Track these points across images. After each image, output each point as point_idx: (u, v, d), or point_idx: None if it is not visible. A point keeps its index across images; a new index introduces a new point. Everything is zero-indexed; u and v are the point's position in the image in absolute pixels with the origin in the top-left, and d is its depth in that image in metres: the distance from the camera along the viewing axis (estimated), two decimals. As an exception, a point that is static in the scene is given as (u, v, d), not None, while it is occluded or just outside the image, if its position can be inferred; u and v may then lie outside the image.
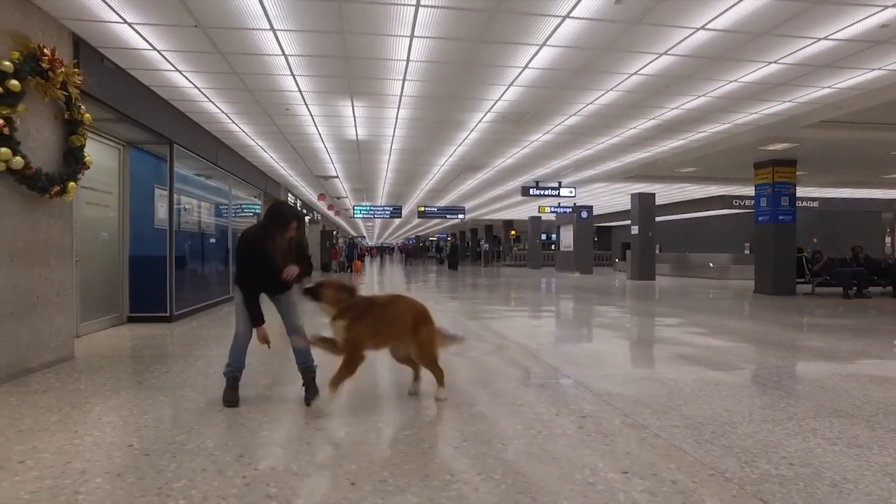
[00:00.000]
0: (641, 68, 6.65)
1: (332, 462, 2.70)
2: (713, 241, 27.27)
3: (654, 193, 20.06)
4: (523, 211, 28.76)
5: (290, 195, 17.89)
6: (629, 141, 10.68)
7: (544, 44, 5.85)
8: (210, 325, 7.73)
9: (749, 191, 19.35)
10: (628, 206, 21.75)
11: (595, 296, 12.91)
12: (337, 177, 15.08)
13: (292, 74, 6.66)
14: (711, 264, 21.72)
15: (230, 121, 8.90)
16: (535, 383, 4.42)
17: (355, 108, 8.25)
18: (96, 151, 7.20)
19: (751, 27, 5.42)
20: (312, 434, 3.14)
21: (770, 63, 6.37)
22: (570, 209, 24.27)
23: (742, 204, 21.90)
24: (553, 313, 9.47)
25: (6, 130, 4.20)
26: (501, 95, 7.67)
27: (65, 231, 5.19)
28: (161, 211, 8.43)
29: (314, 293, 3.55)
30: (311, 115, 8.54)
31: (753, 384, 4.41)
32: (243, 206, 13.12)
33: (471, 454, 2.78)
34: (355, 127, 9.39)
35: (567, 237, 26.58)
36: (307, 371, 3.79)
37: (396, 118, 8.83)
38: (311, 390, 3.73)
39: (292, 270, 3.66)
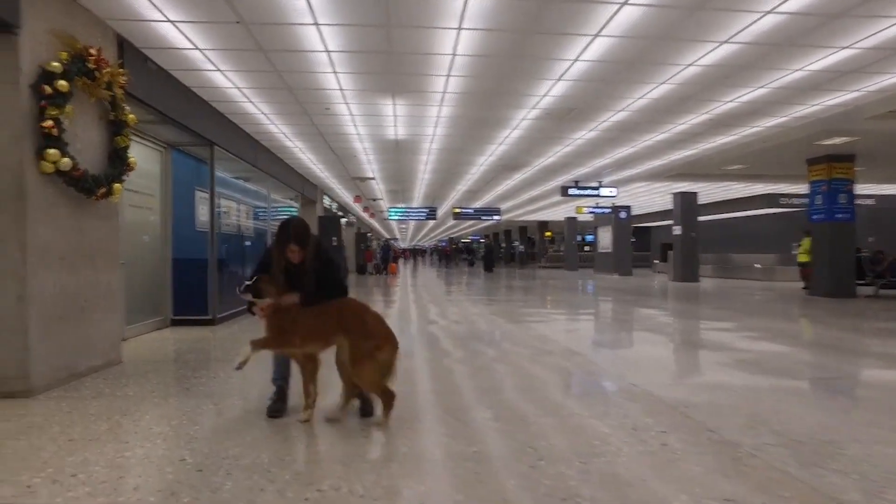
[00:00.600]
0: (699, 58, 6.27)
1: (399, 483, 2.47)
2: (756, 242, 26.26)
3: (697, 193, 19.42)
4: (559, 212, 28.26)
5: (325, 197, 17.89)
6: (676, 137, 10.24)
7: (598, 33, 5.55)
8: (252, 329, 7.56)
9: (797, 189, 18.57)
10: (668, 206, 21.16)
11: (639, 298, 12.47)
12: (373, 178, 14.97)
13: (334, 72, 6.50)
14: (758, 265, 20.92)
15: (269, 121, 8.83)
16: (599, 392, 4.13)
17: (396, 107, 8.07)
18: (139, 154, 7.18)
19: (828, 8, 5.00)
20: (373, 450, 2.93)
21: (843, 48, 5.92)
22: (609, 209, 23.73)
23: (790, 203, 20.98)
24: (600, 316, 9.11)
25: (55, 131, 4.13)
26: (548, 91, 7.38)
27: (111, 233, 5.13)
28: (202, 213, 8.41)
29: (254, 289, 3.39)
30: (350, 114, 8.40)
31: (843, 396, 4.03)
32: (280, 208, 13.11)
33: (550, 475, 2.52)
34: (395, 126, 9.22)
35: (605, 238, 26.00)
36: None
37: (438, 117, 8.61)
38: (366, 404, 3.52)
39: (287, 299, 3.37)
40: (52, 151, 4.10)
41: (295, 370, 3.55)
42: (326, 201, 18.08)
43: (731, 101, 7.93)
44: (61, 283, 4.37)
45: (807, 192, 13.17)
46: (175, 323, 7.76)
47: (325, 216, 17.07)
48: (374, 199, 20.54)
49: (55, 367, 4.27)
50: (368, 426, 3.29)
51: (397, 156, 11.92)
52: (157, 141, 7.53)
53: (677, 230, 19.54)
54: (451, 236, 55.46)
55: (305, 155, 11.73)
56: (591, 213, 23.93)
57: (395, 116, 8.58)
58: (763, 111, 8.46)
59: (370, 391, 3.38)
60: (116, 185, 4.86)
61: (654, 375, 4.57)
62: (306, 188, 15.07)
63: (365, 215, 25.91)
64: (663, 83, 7.12)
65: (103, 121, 4.98)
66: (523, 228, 42.83)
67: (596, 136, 10.23)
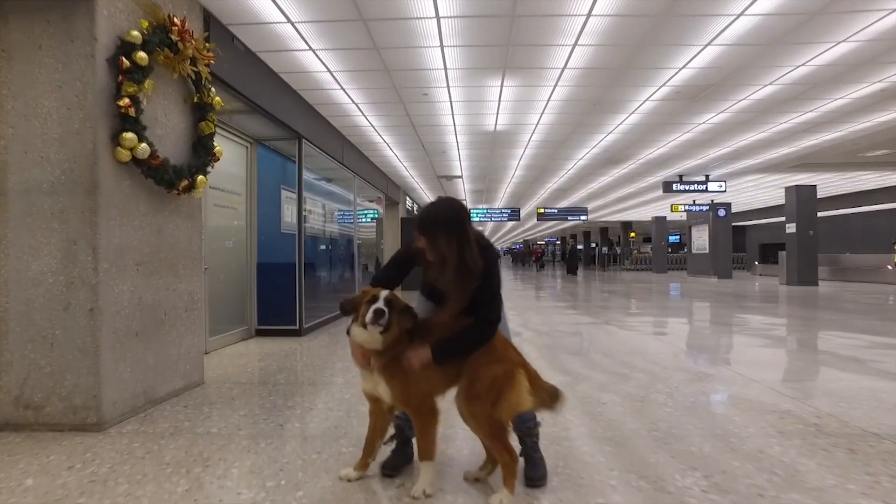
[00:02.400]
0: (885, 16, 4.91)
1: None
2: (872, 240, 23.24)
3: (816, 186, 17.24)
4: (647, 211, 26.38)
5: (408, 199, 17.21)
6: (821, 118, 8.63)
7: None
8: (342, 341, 6.86)
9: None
10: (770, 203, 19.08)
11: (767, 305, 10.75)
12: (460, 176, 14.08)
13: (441, 45, 5.60)
14: (890, 266, 18.34)
15: (359, 112, 8.08)
16: (823, 443, 2.93)
17: (503, 90, 7.08)
18: (224, 149, 6.62)
19: None
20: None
21: None
22: (707, 207, 21.72)
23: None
24: (749, 331, 7.67)
25: (132, 111, 3.44)
26: (688, 62, 6.14)
27: (194, 234, 4.44)
28: (288, 214, 7.78)
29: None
30: (449, 100, 7.49)
31: None
32: (363, 212, 12.46)
33: None
34: (496, 114, 8.23)
35: (700, 238, 23.87)
36: (528, 433, 2.60)
37: (547, 101, 7.55)
38: (535, 465, 2.54)
39: (416, 355, 2.33)
40: (128, 135, 3.41)
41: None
42: (408, 203, 17.40)
43: (918, 68, 6.38)
44: (138, 293, 3.68)
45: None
46: (260, 333, 7.14)
47: (408, 218, 16.38)
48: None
49: (131, 393, 3.58)
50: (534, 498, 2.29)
51: (491, 150, 10.93)
52: (243, 135, 6.94)
53: (791, 228, 17.45)
54: (527, 238, 53.95)
55: (392, 151, 10.98)
56: (687, 210, 22.02)
57: (498, 102, 7.59)
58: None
59: (485, 442, 2.46)
60: (200, 178, 4.15)
61: (885, 415, 3.31)
62: (390, 189, 14.41)
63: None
64: (831, 48, 5.72)
65: (187, 104, 4.31)
66: (604, 229, 40.78)
67: (723, 120, 8.81)
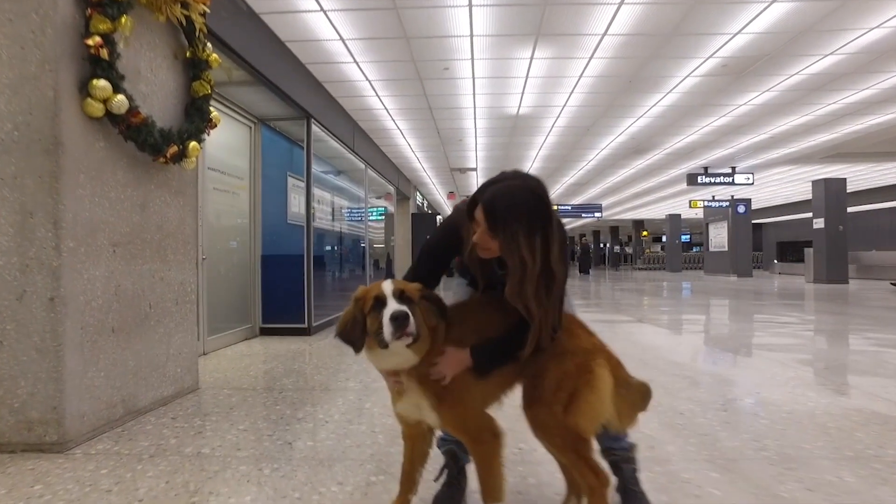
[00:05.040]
0: None
1: None
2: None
3: (846, 179, 16.51)
4: (661, 208, 25.68)
5: (418, 193, 16.54)
6: (880, 96, 7.91)
7: None
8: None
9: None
10: (794, 198, 18.29)
11: (814, 303, 9.97)
12: (474, 169, 13.39)
13: (469, 5, 4.92)
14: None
15: (372, 91, 7.42)
16: None
17: (533, 63, 6.39)
18: (225, 128, 5.96)
19: None
20: None
21: None
22: (726, 203, 20.97)
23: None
24: (810, 328, 6.92)
25: (104, 53, 2.77)
26: (746, 25, 5.45)
27: (186, 213, 3.76)
28: (295, 204, 7.11)
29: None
30: (472, 77, 6.82)
31: None
32: (373, 210, 11.79)
33: None
34: (521, 94, 7.55)
35: (718, 236, 23.08)
36: (625, 458, 1.92)
37: (579, 77, 6.87)
38: (637, 502, 1.86)
39: (449, 362, 1.67)
40: (99, 83, 2.74)
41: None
42: (418, 198, 16.73)
43: None
44: (115, 279, 3.01)
45: None
46: (264, 332, 6.47)
47: (419, 213, 15.72)
48: (469, 196, 18.95)
49: (104, 403, 2.90)
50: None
51: (510, 138, 10.24)
52: (246, 113, 6.28)
53: (819, 223, 16.74)
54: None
55: (406, 139, 10.31)
56: (707, 206, 21.30)
57: (525, 78, 6.91)
58: None
59: (562, 461, 1.84)
60: (193, 144, 3.48)
61: None
62: (401, 182, 13.73)
63: (453, 215, 24.41)
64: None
65: (178, 60, 3.64)
66: (614, 228, 40.01)
67: (766, 101, 8.10)
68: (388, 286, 1.62)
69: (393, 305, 1.55)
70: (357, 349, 1.63)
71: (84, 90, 2.74)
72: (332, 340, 6.15)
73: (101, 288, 2.89)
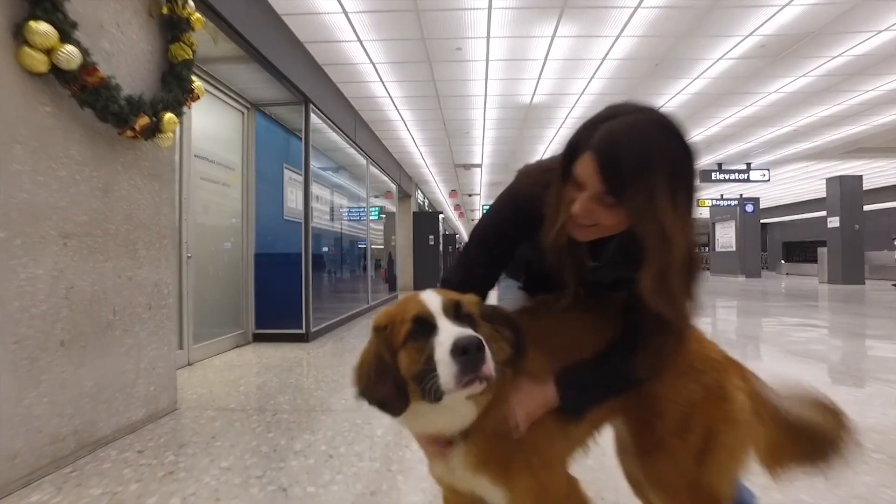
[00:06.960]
0: None
1: None
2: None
3: (862, 176, 16.01)
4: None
5: (419, 192, 15.94)
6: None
7: None
8: (357, 349, 5.58)
9: None
10: (804, 197, 17.77)
11: (837, 304, 9.38)
12: (479, 165, 12.80)
13: (490, -32, 4.34)
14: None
15: (376, 77, 6.82)
16: None
17: (554, 43, 5.80)
18: (215, 113, 5.38)
19: None
20: None
21: None
22: (735, 202, 20.47)
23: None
24: (869, 336, 6.33)
25: (48, -10, 2.17)
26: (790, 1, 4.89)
27: (163, 200, 3.15)
28: (292, 199, 6.52)
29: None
30: (486, 59, 6.23)
31: None
32: (375, 209, 11.18)
33: None
34: (537, 79, 6.96)
35: (725, 235, 22.55)
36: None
37: (603, 58, 6.29)
38: None
39: (525, 402, 1.08)
40: (40, 26, 2.15)
41: None
42: (420, 196, 16.14)
43: None
44: (66, 279, 2.40)
45: None
46: (257, 338, 5.86)
47: (421, 212, 15.14)
48: (470, 195, 18.34)
49: (49, 438, 2.29)
50: None
51: (520, 131, 9.65)
52: (238, 97, 5.68)
53: (834, 222, 16.26)
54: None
55: (409, 132, 9.71)
56: (713, 205, 20.81)
57: (544, 61, 6.31)
58: None
59: None
60: (168, 116, 2.87)
61: None
62: (402, 179, 13.13)
63: (454, 214, 23.86)
64: None
65: (153, 18, 3.04)
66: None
67: (800, 89, 7.55)
68: (433, 299, 1.02)
69: (452, 330, 0.94)
70: (396, 412, 1.01)
71: (19, 35, 2.14)
72: (334, 346, 5.55)
73: (45, 290, 2.28)
